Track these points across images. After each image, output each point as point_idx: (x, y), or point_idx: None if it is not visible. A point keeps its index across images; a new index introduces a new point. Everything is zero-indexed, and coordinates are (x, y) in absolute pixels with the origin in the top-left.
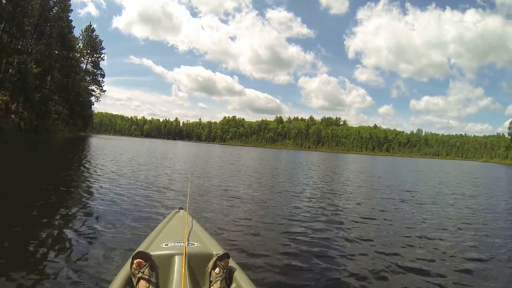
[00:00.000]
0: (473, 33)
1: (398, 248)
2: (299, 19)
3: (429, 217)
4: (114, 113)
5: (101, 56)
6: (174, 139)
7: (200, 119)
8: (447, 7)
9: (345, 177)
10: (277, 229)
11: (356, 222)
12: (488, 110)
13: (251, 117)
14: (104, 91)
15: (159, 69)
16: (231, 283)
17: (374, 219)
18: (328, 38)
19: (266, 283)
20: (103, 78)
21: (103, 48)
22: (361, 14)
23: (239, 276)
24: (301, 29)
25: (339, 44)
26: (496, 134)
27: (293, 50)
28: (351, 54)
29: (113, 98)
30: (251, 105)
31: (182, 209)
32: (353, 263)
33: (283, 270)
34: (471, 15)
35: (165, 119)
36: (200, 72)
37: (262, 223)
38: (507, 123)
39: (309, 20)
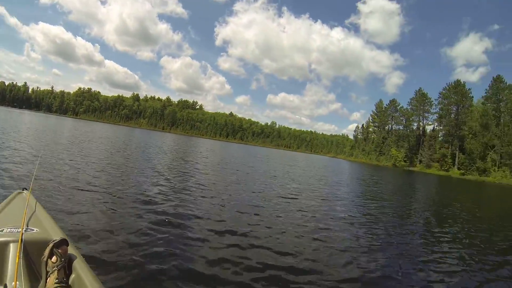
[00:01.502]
0: (336, 48)
1: (241, 226)
2: None
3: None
4: None
5: None
6: (21, 107)
7: (52, 87)
8: (319, 20)
9: (200, 161)
10: (126, 215)
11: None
12: (336, 114)
13: (108, 91)
14: None
15: (13, 20)
16: (70, 272)
17: (222, 201)
18: (200, 22)
19: (108, 271)
20: None
21: None
22: (238, 6)
23: (79, 265)
24: (176, 7)
25: (209, 30)
26: (341, 134)
27: (163, 28)
28: (218, 42)
29: None
30: (109, 78)
31: (26, 189)
32: (202, 246)
33: (127, 257)
34: (337, 32)
35: (12, 82)
36: (60, 33)
37: (111, 207)
38: (350, 127)
39: (186, 0)
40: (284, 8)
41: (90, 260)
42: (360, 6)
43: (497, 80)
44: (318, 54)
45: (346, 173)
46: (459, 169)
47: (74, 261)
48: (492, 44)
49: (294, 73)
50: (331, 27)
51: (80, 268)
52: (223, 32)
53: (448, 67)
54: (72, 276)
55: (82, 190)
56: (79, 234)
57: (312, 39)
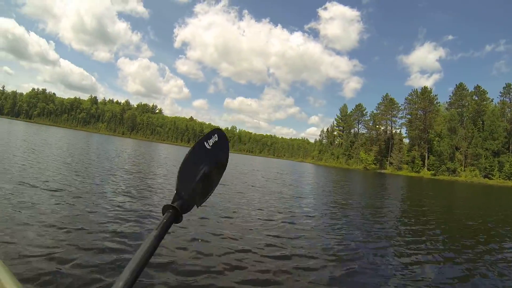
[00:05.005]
0: (295, 52)
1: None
2: None
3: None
4: None
5: None
6: None
7: (3, 87)
8: (279, 25)
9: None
10: (58, 220)
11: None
12: (294, 118)
13: (63, 93)
14: None
15: None
16: None
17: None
18: (160, 23)
19: (34, 279)
20: None
21: None
22: (199, 7)
23: (1, 274)
24: (137, 5)
25: (169, 31)
26: (300, 138)
27: (121, 27)
28: (177, 44)
29: None
30: (64, 79)
31: None
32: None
33: (55, 264)
34: (296, 37)
35: None
36: (12, 26)
37: (42, 214)
38: (309, 130)
39: None
40: (245, 12)
41: (16, 268)
42: (321, 12)
43: (460, 87)
44: (277, 58)
45: (331, 179)
46: (429, 170)
47: None
48: (446, 53)
49: (252, 77)
50: (291, 31)
51: (3, 277)
52: (182, 34)
53: (404, 73)
54: None
55: (13, 196)
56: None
57: (271, 43)
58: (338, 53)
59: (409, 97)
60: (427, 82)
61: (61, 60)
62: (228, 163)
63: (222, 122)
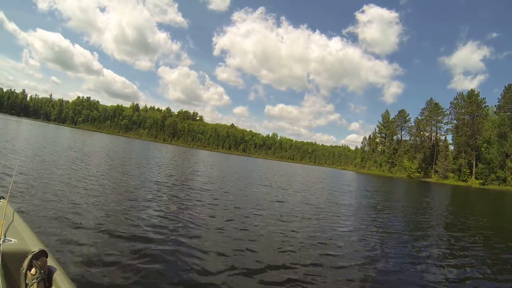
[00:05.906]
0: (334, 58)
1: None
2: (176, 5)
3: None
4: None
5: None
6: (19, 115)
7: (51, 96)
8: (317, 31)
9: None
10: (109, 226)
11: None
12: (335, 124)
13: (106, 101)
14: None
15: (11, 26)
16: (50, 285)
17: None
18: (199, 32)
19: (90, 283)
20: None
21: None
22: (236, 16)
23: (60, 278)
24: (175, 16)
25: (208, 40)
26: (340, 145)
27: (161, 37)
28: (216, 52)
29: None
30: (108, 87)
31: (3, 198)
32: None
33: (110, 269)
34: (335, 42)
35: (10, 89)
36: (58, 40)
37: (94, 219)
38: (349, 137)
39: (186, 9)
40: (283, 18)
41: (72, 273)
42: (359, 15)
43: (509, 88)
44: (316, 64)
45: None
46: (477, 178)
47: (54, 274)
48: (490, 51)
49: (292, 84)
50: (330, 37)
51: (61, 280)
52: (221, 42)
53: (446, 76)
54: None
55: (65, 200)
56: (60, 246)
57: (310, 49)
58: (378, 57)
59: (455, 101)
60: (471, 84)
61: (104, 69)
62: None
63: (263, 129)
